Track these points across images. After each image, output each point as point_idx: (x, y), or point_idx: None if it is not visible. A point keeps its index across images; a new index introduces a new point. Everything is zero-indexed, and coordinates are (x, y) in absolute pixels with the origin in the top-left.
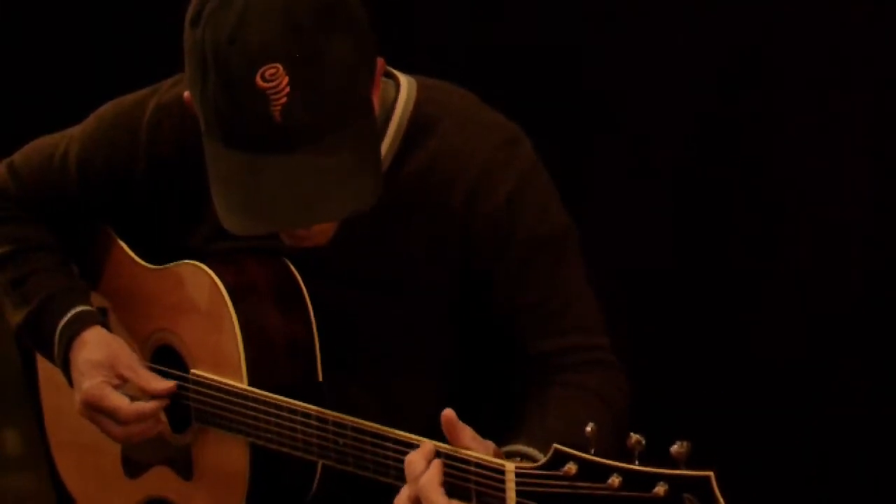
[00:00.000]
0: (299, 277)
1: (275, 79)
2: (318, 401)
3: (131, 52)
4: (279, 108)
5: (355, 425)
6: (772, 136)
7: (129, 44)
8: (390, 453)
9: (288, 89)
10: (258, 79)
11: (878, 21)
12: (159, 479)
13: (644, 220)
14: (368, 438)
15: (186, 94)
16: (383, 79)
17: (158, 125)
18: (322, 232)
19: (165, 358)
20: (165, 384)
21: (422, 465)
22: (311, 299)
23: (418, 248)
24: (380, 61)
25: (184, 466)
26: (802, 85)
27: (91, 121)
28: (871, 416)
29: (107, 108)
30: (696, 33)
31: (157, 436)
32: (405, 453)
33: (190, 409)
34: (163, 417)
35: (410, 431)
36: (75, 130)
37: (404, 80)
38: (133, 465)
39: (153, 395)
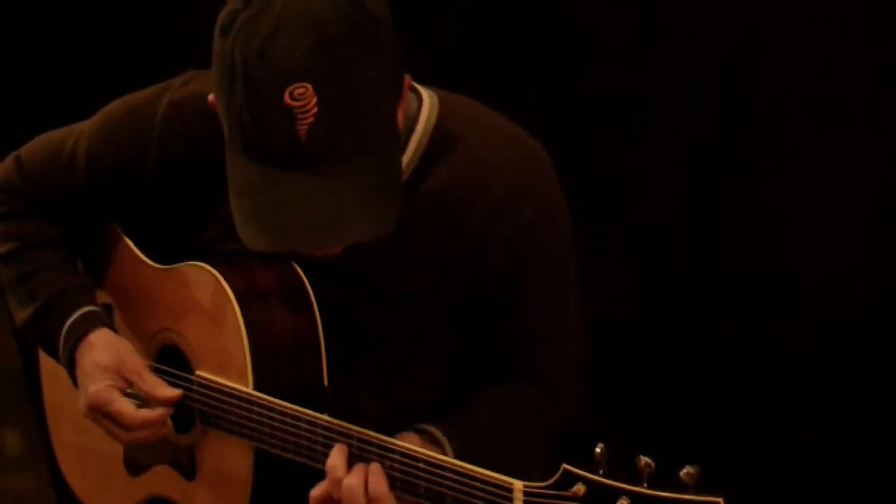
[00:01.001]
0: (306, 281)
1: (304, 98)
2: (323, 404)
3: (132, 50)
4: (306, 127)
5: (361, 435)
6: (773, 137)
7: (129, 43)
8: (396, 465)
9: (316, 109)
10: (287, 97)
11: (878, 20)
12: (161, 478)
13: (642, 220)
14: (374, 449)
15: (211, 97)
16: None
17: (170, 123)
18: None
19: (170, 358)
20: (171, 392)
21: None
22: (317, 302)
23: (431, 260)
24: (406, 78)
25: (187, 466)
26: (803, 85)
27: (100, 117)
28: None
29: (116, 105)
30: (697, 33)
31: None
32: (411, 465)
33: (194, 411)
34: (169, 423)
35: (461, 426)
36: (84, 126)
37: (426, 94)
38: (135, 464)
39: (158, 402)
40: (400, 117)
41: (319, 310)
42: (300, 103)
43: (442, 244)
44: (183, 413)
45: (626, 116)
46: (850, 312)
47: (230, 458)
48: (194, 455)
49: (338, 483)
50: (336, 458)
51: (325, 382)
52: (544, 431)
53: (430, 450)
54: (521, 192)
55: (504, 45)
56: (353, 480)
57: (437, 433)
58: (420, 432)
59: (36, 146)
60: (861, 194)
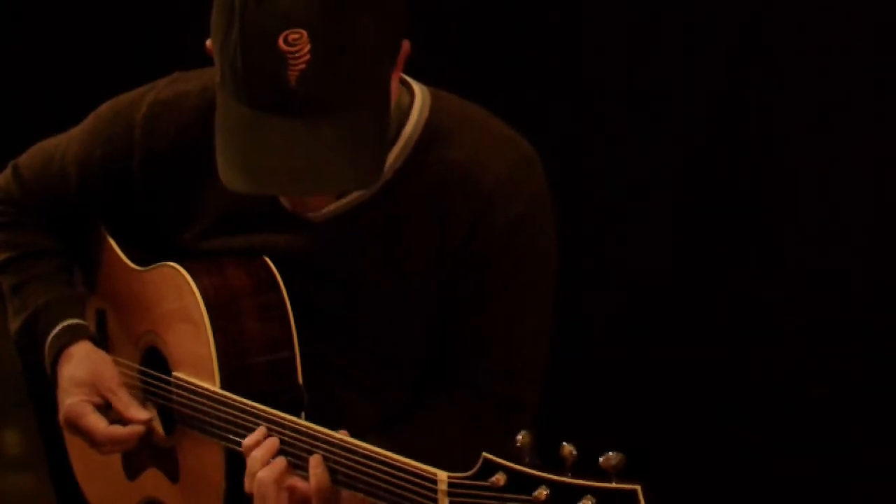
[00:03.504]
0: (280, 279)
1: (297, 44)
2: (299, 403)
3: (133, 52)
4: (296, 73)
5: (325, 436)
6: (773, 138)
7: (130, 45)
8: (361, 466)
9: (308, 57)
10: (281, 41)
11: (879, 21)
12: (152, 481)
13: (642, 220)
14: (339, 451)
15: (209, 42)
16: (399, 85)
17: (154, 120)
18: (322, 197)
19: (155, 360)
20: (141, 415)
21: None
22: (295, 298)
23: (414, 253)
24: (405, 44)
25: (171, 469)
26: (804, 86)
27: (89, 120)
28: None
29: (103, 107)
30: (699, 32)
31: (148, 438)
32: (374, 468)
33: (173, 412)
34: (158, 427)
35: (393, 427)
36: (75, 131)
37: (418, 89)
38: (131, 467)
39: (128, 422)
40: (394, 83)
41: (296, 307)
42: (293, 49)
43: (429, 239)
44: (169, 415)
45: (626, 118)
46: (849, 314)
47: (205, 460)
48: (176, 457)
49: (253, 474)
50: (250, 440)
51: (300, 381)
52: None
53: None
54: (509, 192)
55: (504, 45)
56: (265, 474)
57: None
58: None
59: (32, 154)
60: (863, 196)
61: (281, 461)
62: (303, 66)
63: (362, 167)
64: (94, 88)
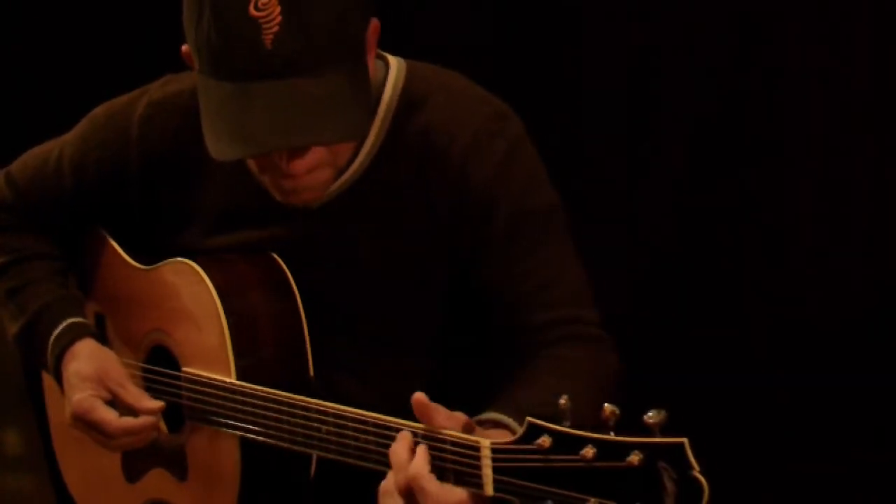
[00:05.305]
0: (289, 273)
1: (267, 8)
2: (310, 396)
3: (130, 55)
4: (271, 36)
5: (336, 411)
6: (775, 135)
7: (129, 49)
8: (371, 437)
9: (280, 18)
10: (251, 8)
11: (880, 22)
12: (157, 481)
13: (642, 219)
14: (350, 424)
15: (184, 47)
16: (375, 60)
17: (149, 122)
18: (314, 187)
19: (161, 358)
20: (154, 404)
21: (406, 455)
22: (301, 290)
23: (412, 226)
24: (375, 22)
25: (179, 467)
26: (804, 86)
27: (83, 124)
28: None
29: (98, 111)
30: (697, 29)
31: (152, 438)
32: (386, 437)
33: (183, 410)
34: (161, 425)
35: (400, 415)
36: (69, 135)
37: (393, 60)
38: (132, 469)
39: (142, 414)
40: (370, 60)
41: (303, 298)
42: (264, 13)
43: (421, 207)
44: (174, 413)
45: (626, 113)
46: (848, 314)
47: (218, 454)
48: (185, 455)
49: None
50: (397, 445)
51: (311, 374)
52: (592, 386)
53: (498, 434)
54: (487, 142)
55: (503, 44)
56: (417, 469)
57: (495, 415)
58: (482, 423)
59: (25, 160)
60: (864, 194)
61: (423, 450)
62: (276, 28)
63: (351, 118)
64: (90, 91)
